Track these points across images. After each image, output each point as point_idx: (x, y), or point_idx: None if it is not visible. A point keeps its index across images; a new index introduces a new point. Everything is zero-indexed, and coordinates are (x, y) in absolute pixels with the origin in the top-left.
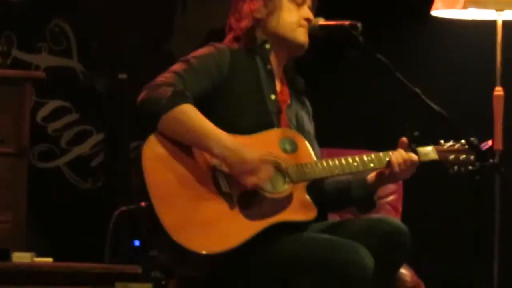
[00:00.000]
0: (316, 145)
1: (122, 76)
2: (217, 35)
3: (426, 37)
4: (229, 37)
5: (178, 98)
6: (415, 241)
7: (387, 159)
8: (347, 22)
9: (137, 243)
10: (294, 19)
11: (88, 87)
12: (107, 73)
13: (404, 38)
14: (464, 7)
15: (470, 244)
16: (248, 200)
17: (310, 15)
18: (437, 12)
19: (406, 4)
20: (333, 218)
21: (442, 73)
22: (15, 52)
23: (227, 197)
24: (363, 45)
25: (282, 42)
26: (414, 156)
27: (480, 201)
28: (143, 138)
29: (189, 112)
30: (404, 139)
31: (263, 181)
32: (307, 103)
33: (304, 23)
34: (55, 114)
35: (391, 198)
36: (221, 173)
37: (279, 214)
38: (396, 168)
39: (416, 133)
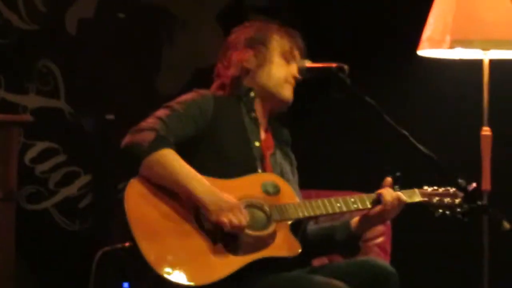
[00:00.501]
0: (298, 193)
1: (110, 116)
2: (204, 74)
3: (413, 77)
4: (215, 84)
5: (159, 143)
6: (404, 284)
7: (371, 200)
8: (334, 65)
9: (125, 285)
10: (282, 75)
11: (76, 128)
12: (94, 113)
13: (391, 78)
14: (451, 46)
15: (459, 286)
16: (231, 238)
17: (297, 73)
18: (423, 52)
19: (393, 44)
20: (322, 261)
21: (429, 112)
22: (3, 93)
23: (210, 234)
24: (350, 87)
25: (268, 95)
26: (402, 195)
27: (469, 242)
28: (130, 179)
29: (170, 156)
30: (389, 178)
31: (239, 222)
32: (291, 154)
33: (291, 80)
34: (43, 156)
35: (379, 240)
36: (202, 210)
37: (263, 250)
38: (388, 205)
39: (398, 174)
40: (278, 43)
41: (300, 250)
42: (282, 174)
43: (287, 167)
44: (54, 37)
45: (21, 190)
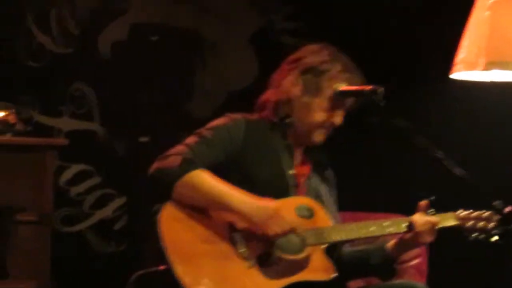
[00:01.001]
0: (337, 215)
1: (143, 139)
2: (237, 98)
3: (447, 99)
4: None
5: (187, 165)
6: None
7: (406, 224)
8: (368, 87)
9: None
10: (320, 120)
11: (110, 150)
12: (128, 136)
13: (426, 102)
14: (486, 68)
15: None
16: (266, 261)
17: (338, 122)
18: (457, 74)
19: (426, 66)
20: (357, 283)
21: (465, 136)
22: (37, 116)
23: (245, 257)
24: (384, 110)
25: (300, 130)
26: (434, 219)
27: (507, 264)
28: (166, 200)
29: (201, 176)
30: (423, 203)
31: (282, 229)
32: (330, 173)
33: (328, 126)
34: (78, 178)
35: (415, 261)
36: (238, 234)
37: (298, 274)
38: (420, 229)
39: (432, 198)
40: (332, 85)
41: (335, 274)
42: (317, 198)
43: (323, 190)
44: (87, 60)
45: (56, 212)
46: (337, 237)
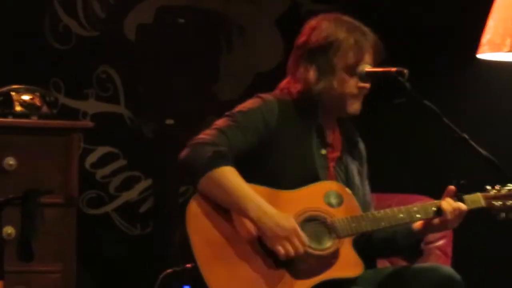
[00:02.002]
0: (367, 193)
1: (169, 121)
2: (263, 79)
3: (473, 80)
4: (283, 88)
5: (217, 160)
6: (467, 286)
7: (434, 209)
8: (393, 69)
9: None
10: (347, 90)
11: (135, 133)
12: (154, 118)
13: (451, 82)
14: (511, 50)
15: None
16: (294, 258)
17: (366, 84)
18: (483, 55)
19: (452, 47)
20: (383, 263)
21: (490, 116)
22: (63, 99)
23: (273, 255)
24: (410, 91)
25: (333, 107)
26: (463, 205)
27: None
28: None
29: (227, 175)
30: (451, 187)
31: (295, 251)
32: (361, 148)
33: (357, 92)
34: (103, 161)
35: (440, 242)
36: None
37: (327, 272)
38: (448, 216)
39: (462, 181)
40: (341, 58)
41: (363, 270)
42: (349, 179)
43: (354, 170)
44: (113, 43)
45: (81, 195)
46: (366, 227)
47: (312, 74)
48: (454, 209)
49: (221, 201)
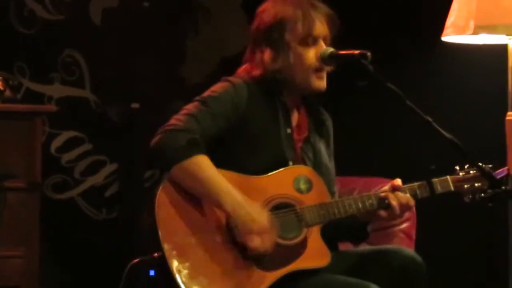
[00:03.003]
0: (332, 173)
1: (135, 105)
2: (229, 63)
3: (437, 63)
4: (245, 71)
5: (191, 149)
6: (430, 268)
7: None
8: (357, 51)
9: (152, 273)
10: (307, 62)
11: (101, 117)
12: (119, 102)
13: (416, 65)
14: (475, 32)
15: (484, 270)
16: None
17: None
18: (447, 38)
19: (416, 31)
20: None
21: (454, 99)
22: (27, 83)
23: (241, 247)
24: (373, 74)
25: (296, 87)
26: (411, 200)
27: (494, 227)
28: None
29: (202, 164)
30: (398, 181)
31: (265, 247)
32: (328, 125)
33: (317, 65)
34: (69, 145)
35: (404, 225)
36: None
37: (294, 263)
38: (396, 211)
39: (432, 167)
40: (292, 33)
41: (329, 260)
42: (317, 159)
43: (322, 149)
44: (78, 27)
45: (46, 180)
46: (335, 215)
47: (267, 55)
48: (401, 204)
49: (194, 191)
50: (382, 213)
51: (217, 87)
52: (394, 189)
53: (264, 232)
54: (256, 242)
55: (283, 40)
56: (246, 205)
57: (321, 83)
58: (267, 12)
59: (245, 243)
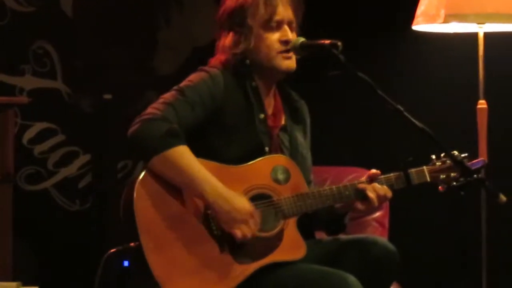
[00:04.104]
0: (309, 161)
1: (107, 96)
2: (201, 53)
3: (408, 51)
4: (217, 60)
5: (171, 139)
6: (403, 256)
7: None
8: (327, 41)
9: (126, 263)
10: (270, 48)
11: (73, 108)
12: (92, 93)
13: (386, 54)
14: (445, 21)
15: (457, 258)
16: (238, 243)
17: (287, 35)
18: (418, 26)
19: (387, 19)
20: (320, 235)
21: (425, 87)
22: None
23: (218, 239)
24: (344, 64)
25: (266, 70)
26: (389, 192)
27: (467, 214)
28: (130, 157)
29: (182, 154)
30: (374, 171)
31: (251, 233)
32: (304, 112)
33: (282, 47)
34: (41, 136)
35: (377, 214)
36: (213, 215)
37: (269, 255)
38: (373, 203)
39: (410, 158)
40: (254, 17)
41: (305, 253)
42: (293, 147)
43: (299, 136)
44: (49, 18)
45: (20, 171)
46: (312, 206)
47: (229, 40)
48: (381, 196)
49: (175, 182)
50: (359, 205)
51: (194, 77)
52: (371, 180)
53: (248, 218)
54: (244, 230)
55: (245, 24)
56: (228, 194)
57: (289, 63)
58: (229, 0)
59: (230, 231)
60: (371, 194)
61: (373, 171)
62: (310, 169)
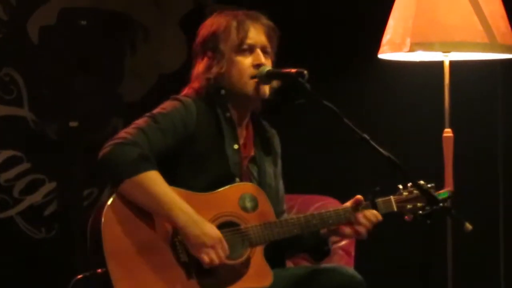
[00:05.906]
0: (281, 192)
1: (73, 123)
2: (168, 80)
3: (374, 80)
4: (191, 88)
5: (143, 164)
6: (369, 285)
7: (346, 215)
8: (293, 70)
9: None
10: (242, 72)
11: (39, 136)
12: (58, 120)
13: (352, 82)
14: (411, 49)
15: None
16: (205, 270)
17: (260, 59)
18: (384, 55)
19: (353, 48)
20: (288, 264)
21: (391, 116)
22: None
23: (185, 266)
24: (310, 92)
25: (237, 96)
26: (379, 215)
27: (433, 243)
28: (96, 185)
29: (154, 179)
30: (359, 197)
31: (219, 259)
32: (275, 144)
33: (255, 71)
34: (7, 164)
35: (343, 242)
36: (181, 242)
37: (236, 283)
38: (369, 228)
39: (377, 188)
40: (227, 42)
41: (271, 281)
42: (262, 178)
43: (267, 168)
44: (16, 45)
45: None
46: (279, 235)
47: (202, 66)
48: (370, 222)
49: (146, 206)
50: (347, 230)
51: (167, 105)
52: (357, 205)
53: (217, 244)
54: (211, 255)
55: (218, 49)
56: (198, 219)
57: (258, 89)
58: (204, 27)
59: (198, 256)
60: (363, 220)
61: (358, 197)
62: (283, 199)
